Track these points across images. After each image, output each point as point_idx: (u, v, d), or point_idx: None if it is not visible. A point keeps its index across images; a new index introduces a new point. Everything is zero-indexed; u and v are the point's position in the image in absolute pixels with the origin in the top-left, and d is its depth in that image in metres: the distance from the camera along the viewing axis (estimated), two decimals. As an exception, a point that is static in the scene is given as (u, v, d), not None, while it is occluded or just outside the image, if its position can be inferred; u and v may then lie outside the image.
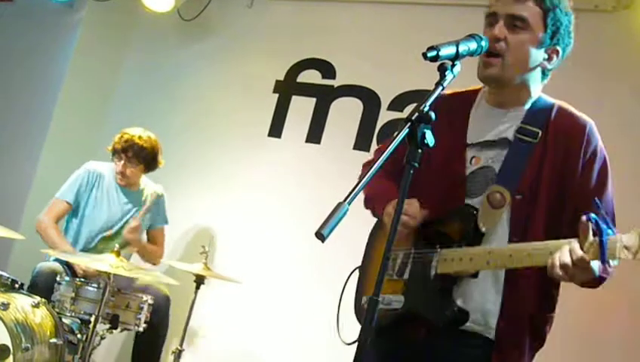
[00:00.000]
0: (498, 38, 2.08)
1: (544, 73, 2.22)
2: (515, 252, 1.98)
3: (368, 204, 2.42)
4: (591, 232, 1.83)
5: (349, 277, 2.51)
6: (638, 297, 3.57)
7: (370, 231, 2.52)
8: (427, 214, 2.18)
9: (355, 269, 2.50)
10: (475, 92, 2.33)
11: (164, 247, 4.70)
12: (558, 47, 2.18)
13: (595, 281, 1.97)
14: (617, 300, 3.49)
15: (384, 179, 2.34)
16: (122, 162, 4.40)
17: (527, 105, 2.22)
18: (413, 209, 2.16)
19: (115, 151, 4.44)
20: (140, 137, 4.42)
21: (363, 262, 2.49)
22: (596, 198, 2.06)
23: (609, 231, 1.79)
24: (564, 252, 1.85)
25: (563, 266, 1.85)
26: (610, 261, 1.79)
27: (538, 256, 1.93)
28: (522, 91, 2.21)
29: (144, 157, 4.43)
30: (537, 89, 2.24)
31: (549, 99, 2.26)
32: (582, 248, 1.83)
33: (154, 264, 4.61)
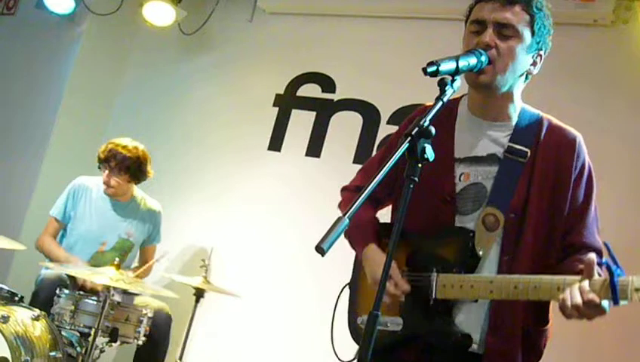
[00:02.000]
0: (489, 45, 2.06)
1: (526, 77, 2.21)
2: (520, 283, 1.95)
3: (346, 233, 2.28)
4: (596, 271, 1.84)
5: (339, 295, 2.48)
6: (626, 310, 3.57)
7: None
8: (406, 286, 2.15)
9: (345, 286, 2.48)
10: (455, 101, 2.30)
11: (152, 267, 4.63)
12: (542, 51, 2.18)
13: None
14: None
15: (366, 206, 2.28)
16: (107, 172, 4.34)
17: (514, 120, 2.21)
18: (398, 283, 2.14)
19: (99, 161, 4.37)
20: (124, 147, 4.35)
21: (352, 280, 2.46)
22: (585, 214, 2.13)
23: (619, 272, 1.79)
24: (575, 292, 1.84)
25: (575, 307, 1.83)
26: (620, 302, 1.79)
27: (544, 291, 1.91)
28: (508, 99, 2.19)
29: (128, 167, 4.34)
30: (520, 95, 2.23)
31: (534, 111, 2.25)
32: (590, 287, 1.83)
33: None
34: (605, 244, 1.84)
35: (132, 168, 4.36)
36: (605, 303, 1.84)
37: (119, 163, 4.31)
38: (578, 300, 1.83)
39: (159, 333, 4.11)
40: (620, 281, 1.78)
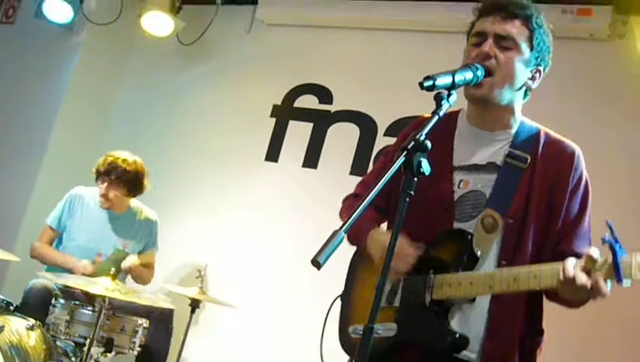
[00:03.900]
0: (489, 55, 2.09)
1: (526, 93, 2.24)
2: (519, 275, 1.96)
3: (350, 237, 2.30)
4: (598, 255, 1.86)
5: (330, 307, 2.47)
6: (628, 314, 3.58)
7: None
8: (419, 251, 2.14)
9: (336, 298, 2.47)
10: (454, 114, 2.33)
11: (154, 270, 4.65)
12: (541, 68, 2.21)
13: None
14: (608, 318, 3.52)
15: (369, 210, 2.20)
16: (105, 185, 4.34)
17: (514, 129, 2.24)
18: (405, 252, 2.13)
19: (98, 174, 4.38)
20: (124, 160, 4.37)
21: (345, 291, 2.45)
22: (578, 225, 2.16)
23: (622, 251, 1.80)
24: (579, 273, 1.86)
25: (581, 287, 1.85)
26: (624, 281, 1.80)
27: (545, 278, 1.93)
28: (507, 112, 2.22)
29: (127, 181, 4.37)
30: (520, 109, 2.26)
31: (533, 124, 2.28)
32: (594, 268, 1.85)
33: (143, 285, 4.58)
34: (608, 224, 1.83)
35: (131, 182, 4.39)
36: (609, 285, 1.86)
37: (119, 176, 4.34)
38: (584, 280, 1.84)
39: (160, 324, 4.12)
40: (623, 259, 1.80)
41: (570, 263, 1.89)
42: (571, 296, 1.93)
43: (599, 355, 3.72)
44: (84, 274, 4.06)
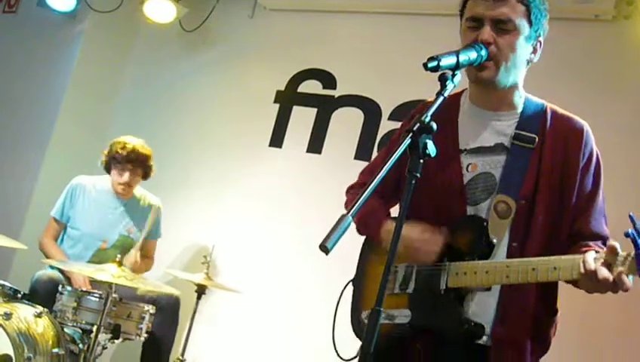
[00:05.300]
0: (488, 42, 2.05)
1: (527, 64, 2.20)
2: (538, 266, 1.94)
3: (360, 226, 2.33)
4: (619, 248, 1.84)
5: (342, 292, 2.45)
6: (628, 298, 3.58)
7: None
8: (447, 235, 2.13)
9: (348, 283, 2.45)
10: (457, 95, 2.30)
11: (154, 259, 4.66)
12: (541, 37, 2.17)
13: None
14: (608, 301, 3.52)
15: (372, 198, 2.30)
16: (127, 173, 4.33)
17: (519, 108, 2.21)
18: (432, 240, 2.12)
19: (115, 162, 4.34)
20: (141, 146, 4.38)
21: (356, 276, 2.43)
22: (593, 202, 2.13)
23: None
24: (600, 266, 1.84)
25: (603, 280, 1.83)
26: None
27: (564, 270, 1.90)
28: (512, 91, 2.19)
29: (146, 166, 4.41)
30: (522, 81, 2.22)
31: (538, 101, 2.25)
32: (615, 262, 1.83)
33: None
34: (630, 217, 1.80)
35: (148, 166, 4.43)
36: (631, 278, 1.84)
37: (141, 162, 4.36)
38: (606, 274, 1.82)
39: (166, 311, 4.14)
40: None
41: (591, 256, 1.87)
42: (591, 289, 1.90)
43: (600, 334, 3.73)
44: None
